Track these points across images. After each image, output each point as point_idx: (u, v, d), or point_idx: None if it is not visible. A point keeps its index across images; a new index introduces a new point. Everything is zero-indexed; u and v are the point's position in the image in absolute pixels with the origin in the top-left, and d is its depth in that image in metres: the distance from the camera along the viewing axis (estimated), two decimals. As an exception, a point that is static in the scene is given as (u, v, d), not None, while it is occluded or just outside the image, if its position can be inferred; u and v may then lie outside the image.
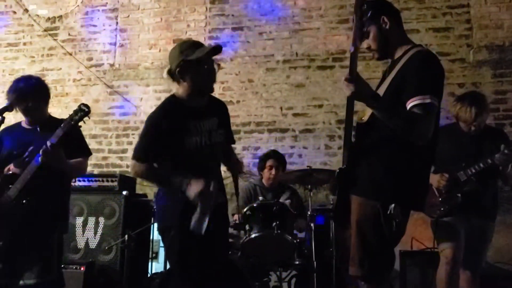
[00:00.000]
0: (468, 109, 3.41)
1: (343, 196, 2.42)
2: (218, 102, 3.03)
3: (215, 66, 2.76)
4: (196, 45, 2.75)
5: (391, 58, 2.47)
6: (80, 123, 2.98)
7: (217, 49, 2.72)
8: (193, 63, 2.66)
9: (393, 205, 2.22)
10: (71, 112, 2.99)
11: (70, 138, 2.99)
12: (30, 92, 3.12)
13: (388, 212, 2.24)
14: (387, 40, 2.42)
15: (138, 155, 2.68)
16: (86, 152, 3.33)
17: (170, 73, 2.74)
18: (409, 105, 2.19)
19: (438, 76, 2.31)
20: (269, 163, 4.53)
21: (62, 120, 3.10)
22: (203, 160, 2.73)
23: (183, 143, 2.65)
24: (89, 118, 3.03)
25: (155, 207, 3.07)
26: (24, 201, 2.94)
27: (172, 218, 2.66)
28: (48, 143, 2.87)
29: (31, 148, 3.01)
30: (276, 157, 4.56)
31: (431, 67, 2.27)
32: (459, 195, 3.39)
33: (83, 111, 2.96)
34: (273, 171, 4.49)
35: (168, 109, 2.74)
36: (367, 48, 2.47)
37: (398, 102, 2.23)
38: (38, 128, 3.15)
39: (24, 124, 3.24)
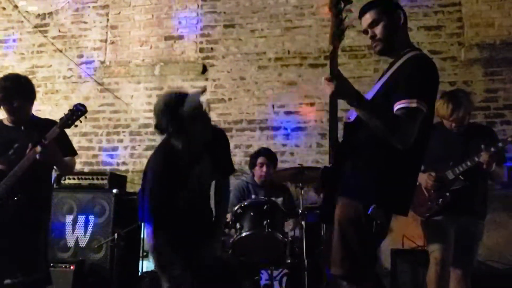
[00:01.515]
0: (445, 105, 3.43)
1: (329, 196, 2.41)
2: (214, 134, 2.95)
3: (206, 108, 2.75)
4: (182, 97, 2.67)
5: (390, 56, 2.44)
6: (77, 123, 2.97)
7: (203, 92, 2.76)
8: (185, 120, 2.61)
9: (373, 205, 2.18)
10: (61, 110, 2.97)
11: (59, 139, 2.97)
12: (17, 91, 3.09)
13: (369, 213, 2.20)
14: (395, 35, 2.38)
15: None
16: (74, 151, 3.33)
17: (160, 128, 2.70)
18: (395, 107, 2.14)
19: (430, 82, 2.26)
20: (259, 160, 4.52)
21: (45, 120, 3.10)
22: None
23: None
24: (86, 118, 3.02)
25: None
26: (16, 198, 2.91)
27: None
28: (45, 141, 2.85)
29: (16, 145, 2.98)
30: (266, 155, 4.55)
31: (424, 71, 2.23)
32: (448, 194, 3.40)
33: (80, 111, 2.96)
34: (264, 168, 4.48)
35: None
36: (371, 37, 2.41)
37: (387, 104, 2.18)
38: (22, 127, 3.12)
39: (6, 122, 3.20)
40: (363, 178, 2.26)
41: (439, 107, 3.47)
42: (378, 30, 2.37)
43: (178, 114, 2.58)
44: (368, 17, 2.40)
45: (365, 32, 2.45)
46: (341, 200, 2.32)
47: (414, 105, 2.11)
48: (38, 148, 2.84)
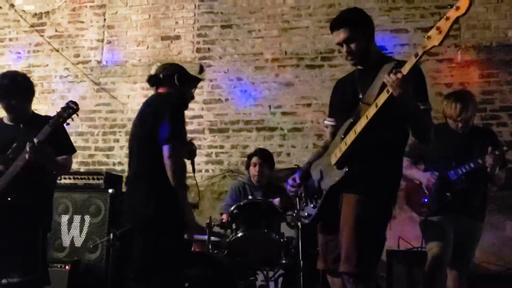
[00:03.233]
0: (453, 105, 3.46)
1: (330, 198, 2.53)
2: None
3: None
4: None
5: (364, 65, 2.61)
6: (68, 121, 2.97)
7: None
8: (190, 79, 3.11)
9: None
10: (57, 109, 2.96)
11: (55, 136, 2.96)
12: (15, 89, 3.08)
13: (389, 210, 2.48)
14: (369, 48, 2.58)
15: (182, 135, 2.80)
16: (71, 149, 3.30)
17: (162, 75, 3.03)
18: None
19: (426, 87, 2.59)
20: (253, 160, 4.54)
21: (45, 117, 3.08)
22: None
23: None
24: (78, 115, 3.00)
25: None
26: (9, 198, 2.90)
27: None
28: (35, 140, 2.83)
29: (15, 145, 2.97)
30: (260, 154, 4.57)
31: (424, 79, 2.57)
32: (449, 194, 3.40)
33: (71, 109, 2.95)
34: (257, 168, 4.49)
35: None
36: (347, 51, 2.58)
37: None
38: (21, 125, 3.10)
39: (6, 121, 3.19)
40: (380, 176, 2.44)
41: (446, 107, 3.50)
42: (354, 46, 2.55)
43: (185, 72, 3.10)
44: (342, 33, 2.55)
45: (339, 45, 2.60)
46: (353, 198, 2.42)
47: (429, 106, 2.52)
48: (27, 149, 2.82)
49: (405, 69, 2.25)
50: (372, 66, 2.57)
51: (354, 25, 2.54)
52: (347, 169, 2.44)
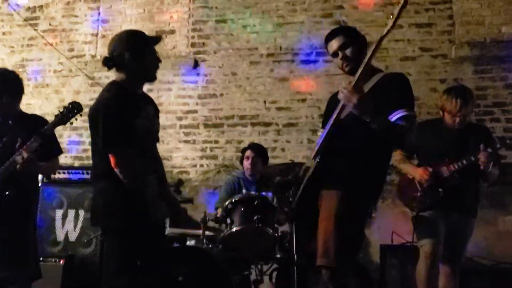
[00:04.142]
0: (454, 100, 3.44)
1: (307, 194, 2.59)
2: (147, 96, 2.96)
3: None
4: (141, 35, 2.76)
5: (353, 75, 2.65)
6: (72, 120, 3.02)
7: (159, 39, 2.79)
8: (144, 50, 2.67)
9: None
10: (51, 104, 2.99)
11: (47, 138, 2.97)
12: (5, 87, 3.08)
13: (368, 209, 2.52)
14: (363, 57, 2.59)
15: (122, 141, 2.48)
16: (59, 151, 3.34)
17: (111, 59, 2.66)
18: (396, 116, 2.46)
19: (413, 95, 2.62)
20: (246, 154, 4.59)
21: (33, 116, 3.15)
22: (150, 145, 2.73)
23: (135, 126, 2.56)
24: (81, 116, 3.04)
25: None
26: (7, 193, 2.91)
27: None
28: (26, 154, 2.83)
29: (5, 139, 2.98)
30: (253, 148, 4.61)
31: (410, 86, 2.60)
32: (441, 190, 3.42)
33: (76, 109, 3.01)
34: (250, 161, 4.52)
35: (121, 96, 2.61)
36: (342, 57, 2.65)
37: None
38: (10, 122, 3.11)
39: None
40: (362, 173, 2.47)
41: (446, 101, 3.49)
42: (349, 51, 2.64)
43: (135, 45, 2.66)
44: (337, 41, 2.66)
45: (334, 55, 2.69)
46: (335, 194, 2.46)
47: (412, 113, 2.52)
48: (19, 159, 2.84)
49: (354, 78, 2.42)
50: (361, 78, 2.59)
51: (348, 33, 2.69)
52: (318, 160, 2.53)
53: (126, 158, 2.51)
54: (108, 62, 2.66)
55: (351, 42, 2.64)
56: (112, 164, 2.48)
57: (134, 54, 2.63)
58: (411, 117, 2.50)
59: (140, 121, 2.59)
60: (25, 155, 2.84)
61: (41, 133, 2.88)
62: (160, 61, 2.78)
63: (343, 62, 2.67)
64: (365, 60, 2.42)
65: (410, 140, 2.60)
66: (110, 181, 2.53)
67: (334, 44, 2.68)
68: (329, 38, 2.71)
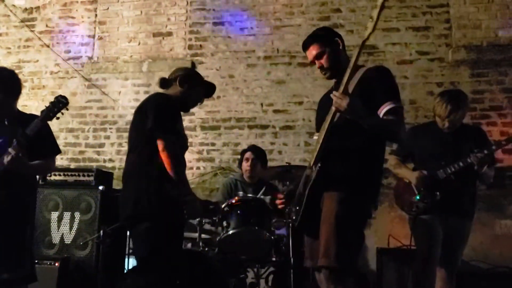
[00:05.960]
0: (444, 105, 3.47)
1: (312, 203, 2.56)
2: None
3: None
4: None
5: (337, 78, 2.67)
6: (58, 115, 2.93)
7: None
8: (194, 82, 3.13)
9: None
10: (47, 105, 2.93)
11: (40, 135, 2.92)
12: (2, 86, 3.04)
13: (368, 209, 2.54)
14: (339, 61, 2.68)
15: (172, 128, 2.81)
16: (55, 150, 3.25)
17: (168, 78, 3.13)
18: (384, 109, 2.47)
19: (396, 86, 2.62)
20: (245, 155, 4.59)
21: (31, 115, 3.06)
22: (182, 151, 3.03)
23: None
24: (67, 109, 2.98)
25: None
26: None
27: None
28: (13, 152, 2.80)
29: (1, 140, 2.94)
30: (253, 150, 4.60)
31: (393, 78, 2.63)
32: (438, 193, 3.42)
33: (61, 103, 2.91)
34: (249, 163, 4.51)
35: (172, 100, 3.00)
36: (319, 67, 2.72)
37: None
38: (6, 122, 3.07)
39: None
40: (361, 174, 2.49)
41: (437, 105, 3.51)
42: (324, 61, 2.69)
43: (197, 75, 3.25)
44: (312, 51, 2.71)
45: (312, 62, 2.75)
46: (335, 195, 2.47)
47: (399, 104, 2.52)
48: (5, 159, 2.80)
49: (342, 84, 2.42)
50: (348, 82, 2.61)
51: (321, 40, 2.70)
52: (319, 166, 2.51)
53: (173, 144, 2.77)
54: (161, 81, 3.15)
55: (326, 50, 2.67)
56: (160, 148, 2.73)
57: (183, 80, 3.07)
58: (399, 109, 2.51)
59: (179, 126, 2.94)
60: (12, 153, 2.80)
61: (25, 131, 2.81)
62: (199, 101, 3.28)
63: (321, 71, 2.74)
64: (351, 64, 2.43)
65: (404, 131, 2.58)
66: (153, 168, 2.76)
67: (309, 54, 2.74)
68: (304, 46, 2.76)
